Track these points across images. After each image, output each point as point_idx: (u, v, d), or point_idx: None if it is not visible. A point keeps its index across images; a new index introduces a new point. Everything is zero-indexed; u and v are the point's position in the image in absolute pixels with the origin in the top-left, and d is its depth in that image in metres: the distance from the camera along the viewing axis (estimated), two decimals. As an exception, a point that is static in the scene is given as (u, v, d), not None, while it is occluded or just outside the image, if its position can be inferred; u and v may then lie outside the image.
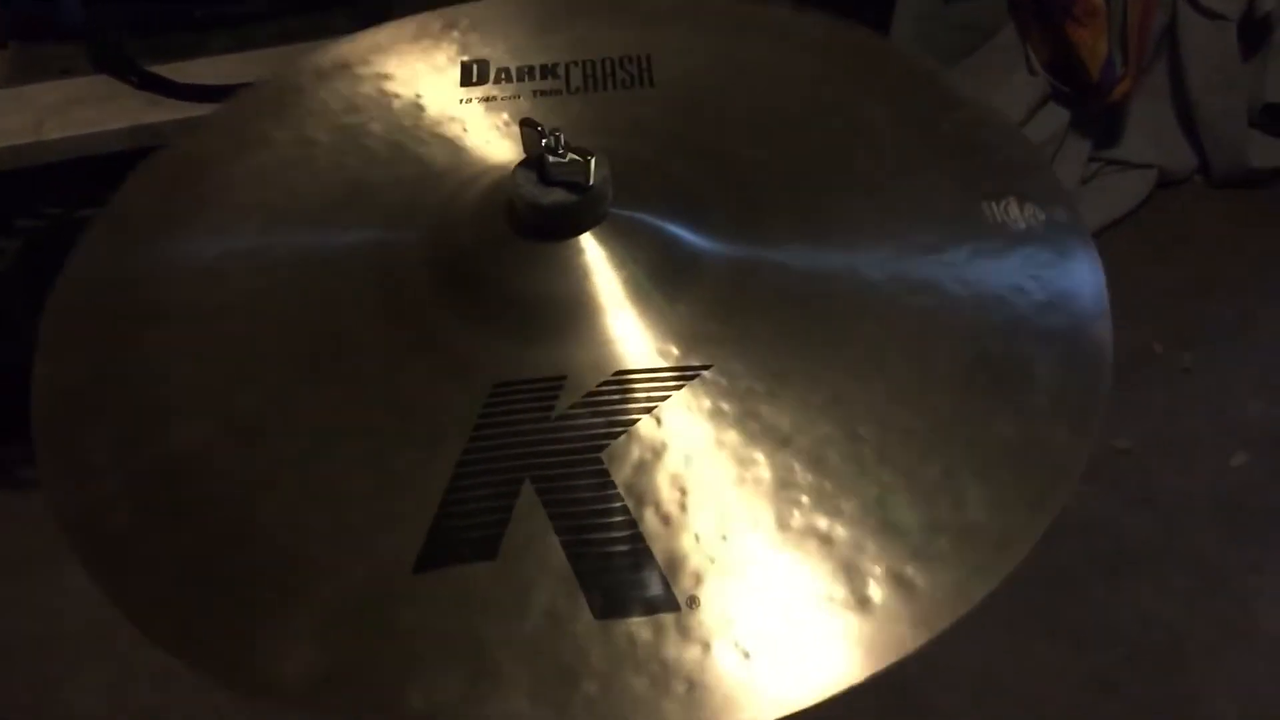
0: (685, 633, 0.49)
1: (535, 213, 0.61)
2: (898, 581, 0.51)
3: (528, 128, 0.62)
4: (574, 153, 0.61)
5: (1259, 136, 1.95)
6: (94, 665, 1.35)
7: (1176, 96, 1.93)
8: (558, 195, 0.61)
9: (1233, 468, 1.56)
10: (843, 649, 0.49)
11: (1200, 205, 1.95)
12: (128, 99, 1.33)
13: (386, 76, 0.78)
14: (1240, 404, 1.64)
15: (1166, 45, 1.89)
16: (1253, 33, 1.88)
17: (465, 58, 0.79)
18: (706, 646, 0.49)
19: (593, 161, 0.61)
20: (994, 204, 0.66)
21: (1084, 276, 0.63)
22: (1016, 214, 0.66)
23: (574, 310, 0.60)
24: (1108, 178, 1.91)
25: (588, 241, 0.62)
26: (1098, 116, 1.88)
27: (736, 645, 0.49)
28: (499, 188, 0.64)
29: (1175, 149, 1.94)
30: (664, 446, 0.55)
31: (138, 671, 1.32)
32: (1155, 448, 1.54)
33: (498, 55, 0.79)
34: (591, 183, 0.61)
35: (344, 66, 0.79)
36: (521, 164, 0.62)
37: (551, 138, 0.61)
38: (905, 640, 0.49)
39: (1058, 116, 1.83)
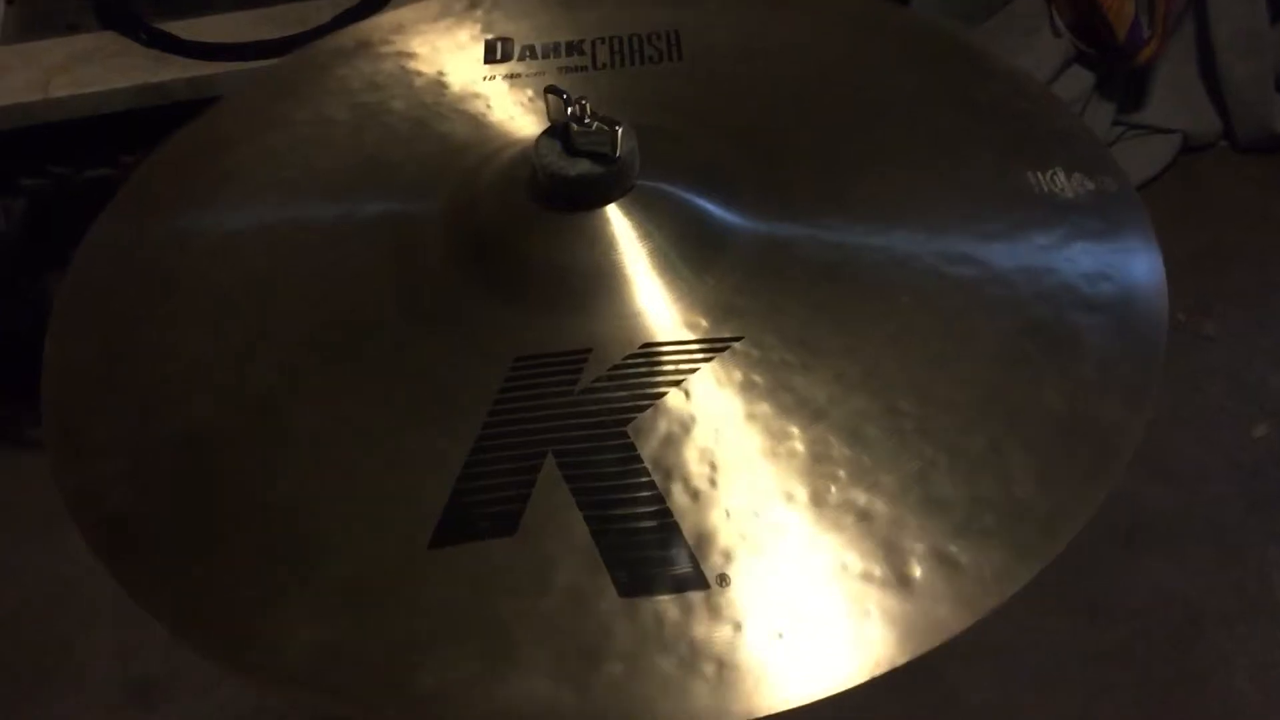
0: (715, 612, 0.47)
1: (560, 184, 0.59)
2: (940, 560, 0.48)
3: (553, 96, 0.60)
4: (600, 121, 0.59)
5: (1287, 102, 1.92)
6: (105, 628, 1.35)
7: (1203, 60, 1.89)
8: (583, 166, 0.59)
9: (1254, 439, 1.54)
10: (881, 630, 0.47)
11: (1225, 171, 1.92)
12: (135, 56, 1.31)
13: (409, 55, 0.77)
14: (1263, 375, 1.61)
15: (1194, 8, 1.86)
16: (1283, -3, 1.85)
17: (489, 35, 0.77)
18: (738, 626, 0.47)
19: (619, 131, 0.59)
20: (1040, 174, 0.64)
21: (1136, 245, 0.61)
22: (1064, 183, 0.64)
23: (599, 282, 0.59)
24: (1132, 142, 1.88)
25: (613, 212, 0.60)
26: (1123, 80, 1.85)
27: (769, 625, 0.47)
28: (522, 158, 0.62)
29: (1200, 114, 1.91)
30: (693, 420, 0.53)
31: (146, 638, 1.32)
32: (1175, 418, 1.52)
33: (522, 32, 0.77)
34: (618, 153, 0.59)
35: (365, 45, 0.78)
36: (545, 132, 0.60)
37: (577, 106, 0.59)
38: (948, 622, 0.47)
39: (1082, 79, 1.80)
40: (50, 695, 1.33)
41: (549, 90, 0.60)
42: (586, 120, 0.59)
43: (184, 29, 1.32)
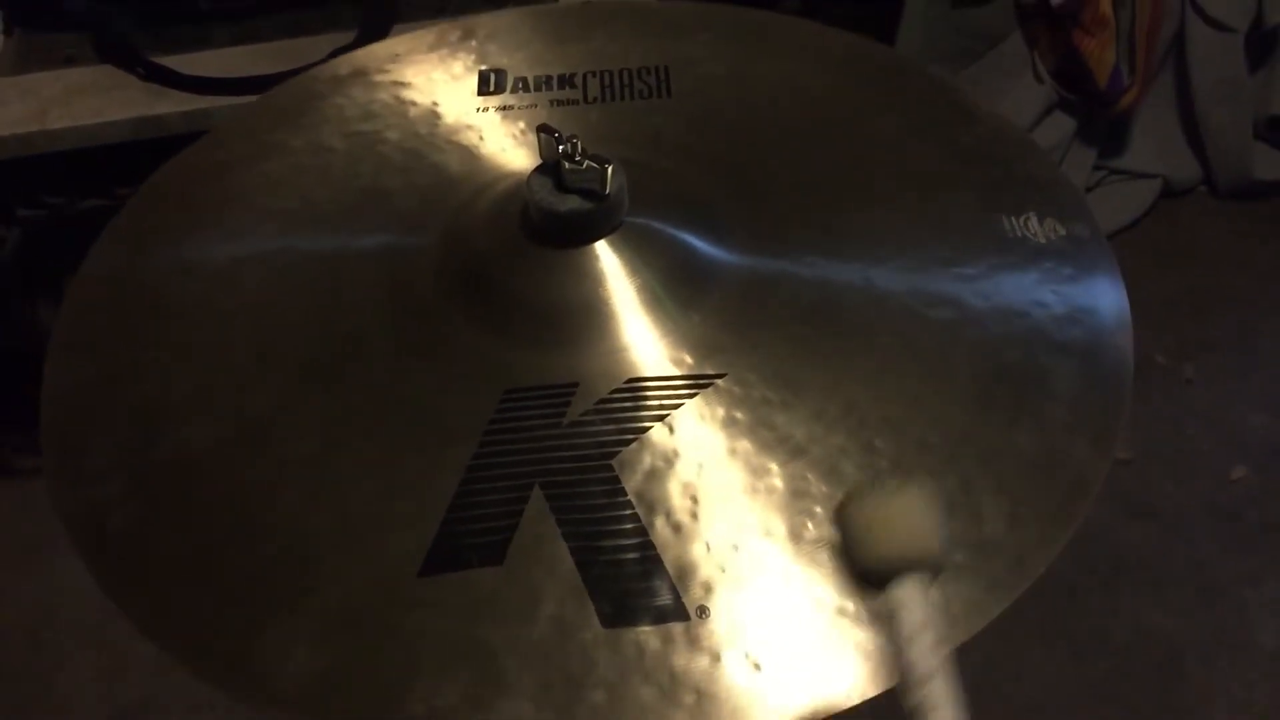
0: (695, 643, 0.49)
1: (551, 220, 0.61)
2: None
3: (545, 133, 0.61)
4: (590, 160, 0.60)
5: (1264, 149, 1.95)
6: (86, 656, 1.35)
7: (1182, 107, 1.92)
8: (574, 202, 0.60)
9: (1232, 480, 1.56)
10: (855, 663, 0.48)
11: (1204, 216, 1.95)
12: (133, 90, 1.32)
13: (403, 84, 0.78)
14: (1241, 417, 1.64)
15: (1174, 55, 1.89)
16: (1260, 45, 1.88)
17: (483, 67, 0.79)
18: (716, 657, 0.48)
19: (609, 169, 0.60)
20: (1013, 218, 0.66)
21: (1105, 291, 0.63)
22: (1036, 228, 0.65)
23: (587, 317, 0.60)
24: (1112, 187, 1.90)
25: (602, 249, 0.61)
26: (1103, 125, 1.87)
27: (747, 656, 0.48)
28: (514, 194, 0.64)
29: (1180, 159, 1.93)
30: (676, 454, 0.55)
31: (130, 662, 1.31)
32: (1155, 459, 1.54)
33: (515, 64, 0.79)
34: (608, 191, 0.60)
35: (361, 73, 0.79)
36: (537, 170, 0.62)
37: (568, 144, 0.60)
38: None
39: (1063, 125, 1.82)
40: (34, 722, 1.34)
41: (541, 129, 0.61)
42: (577, 158, 0.60)
43: (181, 63, 1.34)
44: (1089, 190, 1.88)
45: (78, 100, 1.30)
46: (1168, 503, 1.52)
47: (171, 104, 1.30)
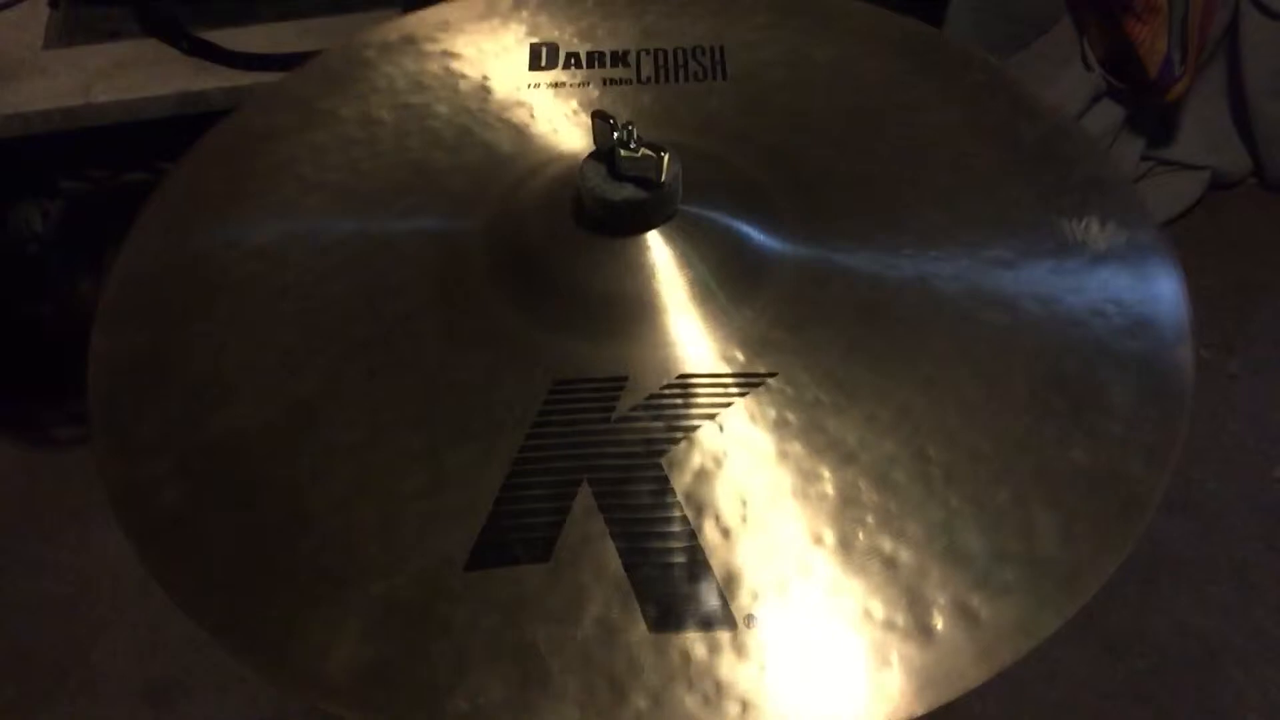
0: (741, 651, 0.48)
1: (604, 209, 0.60)
2: (962, 612, 0.49)
3: (599, 120, 0.60)
4: (646, 148, 0.59)
5: (1316, 141, 1.92)
6: (121, 630, 1.36)
7: (1233, 97, 1.89)
8: (628, 191, 0.59)
9: (1276, 478, 1.54)
10: (902, 679, 0.47)
11: (1253, 208, 1.91)
12: (177, 64, 1.32)
13: (453, 55, 0.77)
14: (1285, 414, 1.62)
15: (1226, 45, 1.86)
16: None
17: (534, 40, 0.77)
18: (763, 667, 0.48)
19: (665, 157, 0.59)
20: (1073, 221, 0.65)
21: (1166, 302, 0.61)
22: (1097, 233, 0.64)
23: (638, 309, 0.59)
24: (1160, 178, 1.88)
25: (654, 239, 0.60)
26: (1152, 115, 1.85)
27: (793, 668, 0.48)
28: (566, 178, 0.63)
29: (1229, 150, 1.90)
30: (725, 455, 0.54)
31: (165, 638, 1.32)
32: (1197, 455, 1.52)
33: (567, 39, 0.78)
34: (663, 180, 0.59)
35: (410, 41, 0.78)
36: (591, 156, 0.61)
37: (624, 131, 0.59)
38: (966, 674, 0.48)
39: (1111, 114, 1.79)
40: (67, 694, 1.35)
41: (596, 114, 0.60)
42: (632, 145, 0.59)
43: (226, 38, 1.34)
44: (1136, 182, 1.85)
45: (121, 74, 1.30)
46: (1209, 500, 1.50)
47: (215, 79, 1.30)
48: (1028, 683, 1.30)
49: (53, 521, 1.42)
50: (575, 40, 0.77)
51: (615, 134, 0.60)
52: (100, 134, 1.29)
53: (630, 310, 0.59)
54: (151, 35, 1.35)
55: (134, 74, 1.31)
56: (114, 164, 1.34)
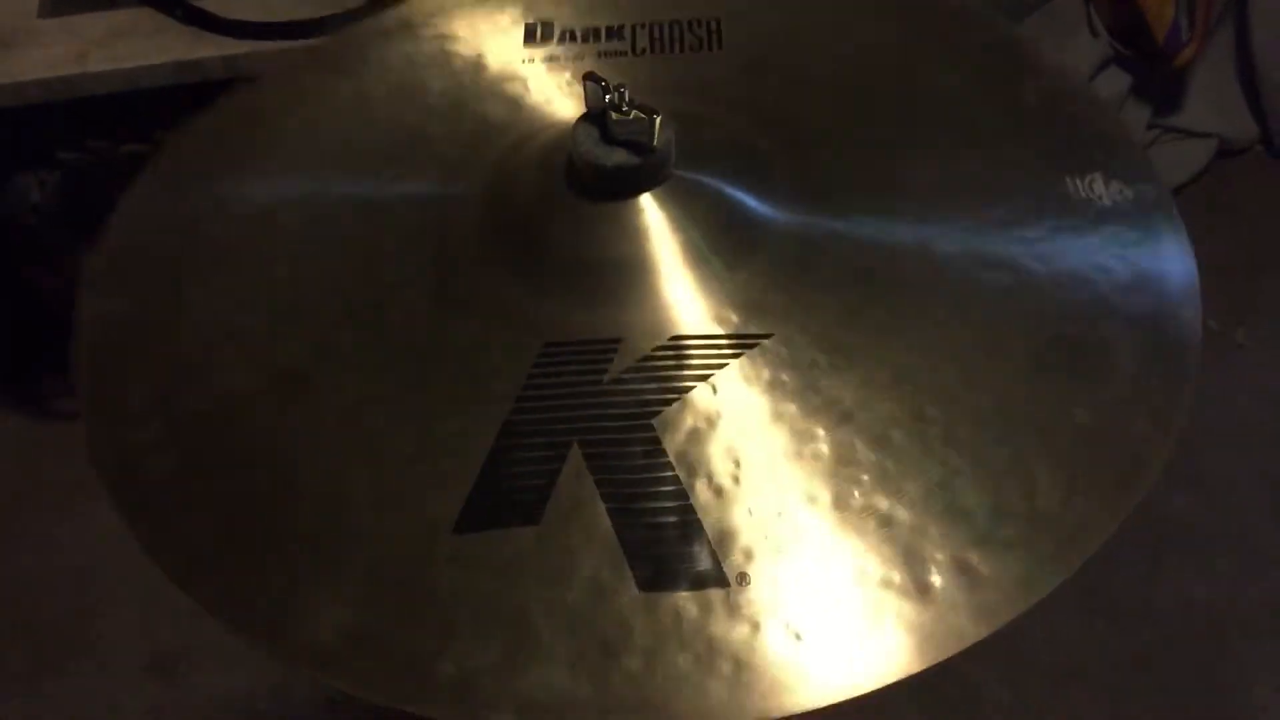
0: (734, 610, 0.47)
1: (596, 172, 0.59)
2: (961, 569, 0.48)
3: (591, 82, 0.59)
4: (638, 110, 0.58)
5: (1323, 108, 1.90)
6: (125, 603, 1.37)
7: (1241, 65, 1.87)
8: (620, 156, 0.59)
9: (1282, 449, 1.53)
10: (900, 637, 0.47)
11: (1261, 176, 1.89)
12: (173, 33, 1.31)
13: (449, 37, 0.76)
14: (1293, 385, 1.60)
15: (1234, 12, 1.84)
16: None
17: (530, 19, 0.77)
18: (756, 626, 0.47)
19: (658, 120, 0.58)
20: (1078, 179, 0.63)
21: (1172, 258, 0.60)
22: (1101, 190, 0.63)
23: (631, 272, 0.58)
24: (1167, 145, 1.86)
25: (647, 202, 0.59)
26: (1159, 82, 1.83)
27: (788, 627, 0.47)
28: (558, 144, 0.62)
29: (1237, 118, 1.89)
30: (718, 416, 0.53)
31: (169, 610, 1.32)
32: (1204, 426, 1.51)
33: (563, 16, 0.77)
34: (655, 143, 0.59)
35: (407, 26, 0.78)
36: (583, 118, 0.60)
37: (615, 93, 0.59)
38: (966, 631, 0.47)
39: (1118, 81, 1.78)
40: (72, 667, 1.35)
41: (587, 77, 0.60)
42: (624, 108, 0.59)
43: (221, 6, 1.32)
44: (1144, 149, 1.84)
45: (118, 43, 1.30)
46: (1215, 470, 1.49)
47: (211, 48, 1.29)
48: (1032, 653, 1.29)
49: (56, 494, 1.43)
50: (571, 17, 0.77)
51: (607, 96, 0.59)
52: (97, 104, 1.29)
53: (623, 273, 0.59)
54: (147, 4, 1.34)
55: (130, 43, 1.30)
56: (111, 134, 1.33)
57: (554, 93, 0.71)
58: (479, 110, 0.70)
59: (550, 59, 0.74)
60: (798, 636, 0.47)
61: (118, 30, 1.31)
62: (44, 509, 1.47)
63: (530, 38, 0.75)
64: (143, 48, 1.29)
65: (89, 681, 1.34)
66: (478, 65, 0.74)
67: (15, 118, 1.28)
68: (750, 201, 0.62)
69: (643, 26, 0.75)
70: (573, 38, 0.75)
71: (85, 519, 1.38)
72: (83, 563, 1.40)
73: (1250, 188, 1.87)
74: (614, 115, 0.59)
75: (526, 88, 0.72)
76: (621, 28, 0.75)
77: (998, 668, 1.29)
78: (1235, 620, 1.36)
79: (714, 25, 0.75)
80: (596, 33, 0.75)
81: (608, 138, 0.59)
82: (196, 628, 1.30)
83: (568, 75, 0.72)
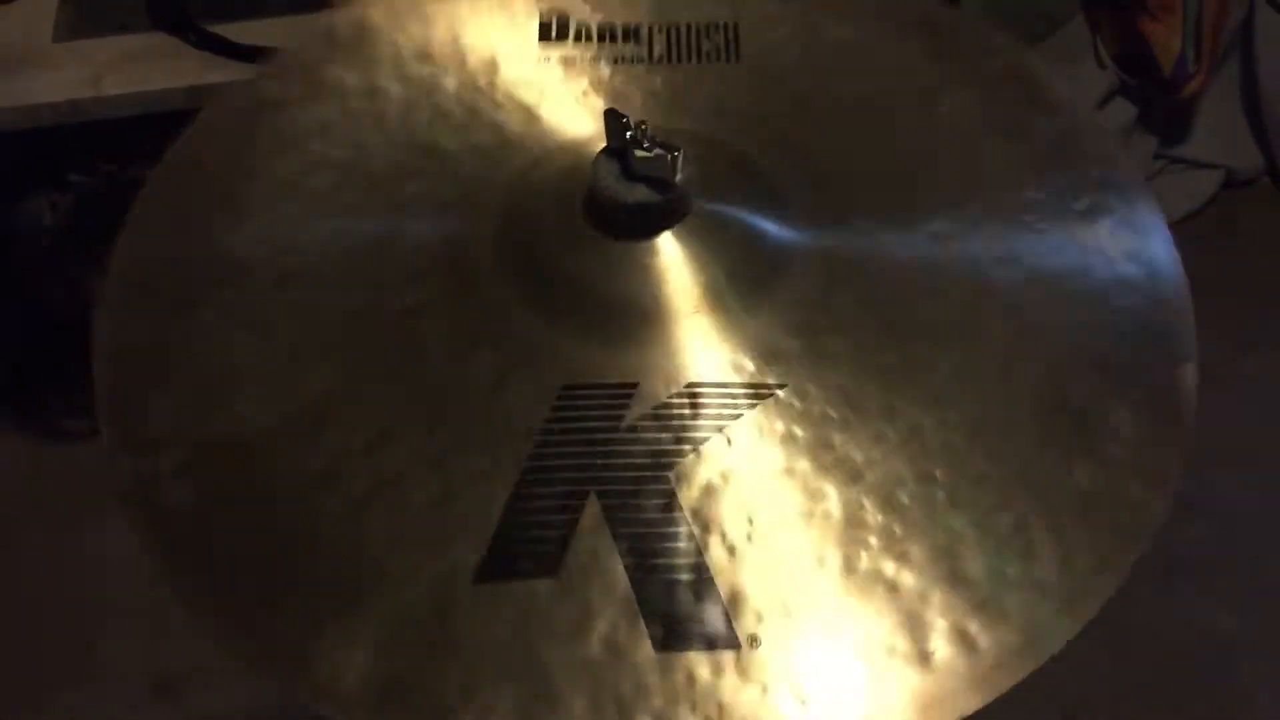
0: (744, 673, 0.49)
1: (617, 210, 0.59)
2: (960, 638, 0.50)
3: (612, 119, 0.59)
4: (660, 147, 0.58)
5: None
6: (130, 623, 1.36)
7: (1247, 96, 1.88)
8: (641, 193, 0.58)
9: (1289, 476, 1.53)
10: (900, 704, 0.48)
11: (1266, 207, 1.90)
12: (186, 58, 1.31)
13: (461, 21, 0.74)
14: (1301, 413, 1.61)
15: (1240, 43, 1.85)
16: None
17: (544, 7, 0.75)
18: (764, 689, 0.48)
19: (679, 158, 0.58)
20: (1088, 229, 0.64)
21: (1173, 320, 0.61)
22: (1107, 240, 0.63)
23: (649, 315, 0.58)
24: (1173, 176, 1.87)
25: (667, 241, 0.59)
26: (1166, 113, 1.84)
27: (794, 691, 0.48)
28: (576, 171, 0.61)
29: (1243, 149, 1.89)
30: (733, 471, 0.54)
31: (173, 631, 1.32)
32: (1211, 453, 1.51)
33: (577, 7, 0.75)
34: (677, 180, 0.58)
35: (416, 4, 0.75)
36: (604, 152, 0.60)
37: (637, 130, 0.58)
38: (963, 701, 0.48)
39: (1125, 111, 1.78)
40: (72, 686, 1.35)
41: (609, 114, 0.59)
42: (646, 145, 0.58)
43: (235, 32, 1.33)
44: (1149, 180, 1.84)
45: (130, 67, 1.30)
46: (1224, 498, 1.49)
47: (224, 73, 1.29)
48: (1041, 679, 1.29)
49: (60, 513, 1.43)
50: (586, 10, 0.75)
51: (628, 133, 0.58)
52: (109, 127, 1.29)
53: (640, 315, 0.59)
54: (160, 29, 1.35)
55: (143, 67, 1.30)
56: (123, 157, 1.34)
57: (570, 103, 0.70)
58: (494, 119, 0.69)
59: (566, 60, 0.72)
60: (803, 702, 0.48)
61: (130, 54, 1.31)
62: (48, 529, 1.47)
63: (545, 34, 0.74)
64: (155, 72, 1.29)
65: (91, 700, 1.34)
66: (492, 64, 0.72)
67: (28, 140, 1.27)
68: (768, 240, 0.62)
69: (660, 29, 0.74)
70: (588, 36, 0.74)
71: (89, 539, 1.37)
72: (86, 584, 1.40)
73: (1256, 218, 1.88)
74: (636, 153, 0.58)
75: (542, 94, 0.71)
76: (638, 28, 0.74)
77: (1008, 695, 1.29)
78: (1244, 647, 1.37)
79: (732, 31, 0.74)
80: (613, 31, 0.74)
81: (628, 173, 0.59)
82: (199, 650, 1.31)
83: (585, 82, 0.71)
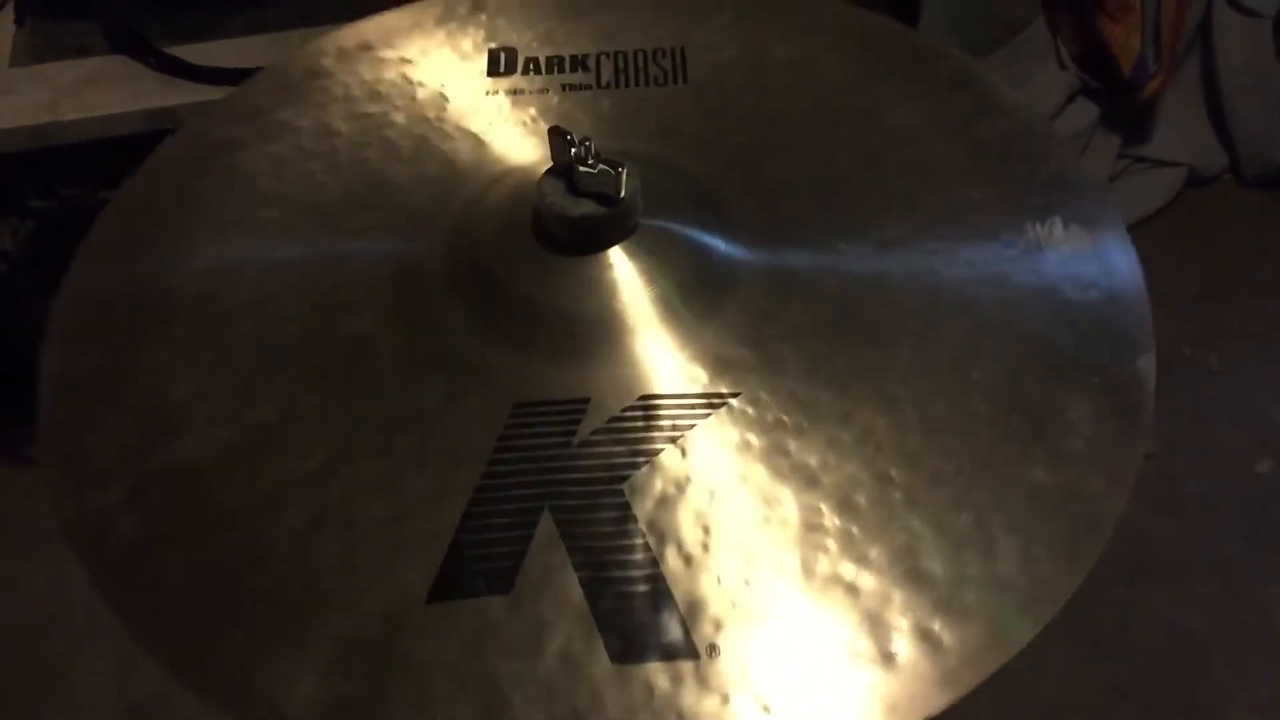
0: (704, 682, 0.48)
1: (563, 225, 0.59)
2: (923, 637, 0.49)
3: (556, 136, 0.59)
4: (604, 163, 0.59)
5: (1290, 136, 1.92)
6: (101, 648, 1.36)
7: (1208, 94, 1.90)
8: (587, 207, 0.59)
9: (1257, 474, 1.54)
10: (865, 707, 0.47)
11: (1229, 204, 1.92)
12: (145, 80, 1.31)
13: (410, 62, 0.76)
14: (1266, 409, 1.61)
15: (1199, 41, 1.86)
16: (1288, 31, 1.85)
17: (493, 45, 0.76)
18: (725, 698, 0.48)
19: (624, 173, 0.58)
20: (1039, 225, 0.64)
21: (1129, 311, 0.61)
22: (1061, 235, 0.63)
23: (600, 329, 0.59)
24: (1136, 175, 1.88)
25: (616, 256, 0.60)
26: (1128, 113, 1.85)
27: (756, 698, 0.47)
28: (523, 193, 0.62)
29: (1205, 147, 1.91)
30: (688, 480, 0.53)
31: (144, 655, 1.32)
32: (1180, 452, 1.52)
33: (526, 43, 0.76)
34: (622, 194, 0.59)
35: (367, 48, 0.77)
36: (549, 172, 0.60)
37: (581, 147, 0.59)
38: (929, 700, 0.47)
39: (1087, 112, 1.80)
40: (45, 713, 1.34)
41: (553, 131, 0.60)
42: (590, 161, 0.59)
43: (193, 53, 1.32)
44: (1112, 179, 1.85)
45: (89, 91, 1.30)
46: (1192, 497, 1.50)
47: (184, 95, 1.29)
48: (1015, 680, 1.30)
49: (28, 540, 1.41)
50: (534, 44, 0.76)
51: (573, 150, 0.59)
52: (69, 152, 1.28)
53: (592, 329, 0.59)
54: (119, 52, 1.34)
55: (102, 91, 1.30)
56: (83, 182, 1.33)
57: (518, 130, 0.71)
58: (443, 149, 0.70)
59: (514, 92, 0.73)
60: (766, 709, 0.47)
61: (89, 78, 1.31)
62: (15, 556, 1.45)
63: (494, 67, 0.75)
64: (114, 96, 1.29)
65: (63, 728, 1.33)
66: (441, 98, 0.73)
67: (-13, 166, 1.27)
68: (717, 251, 0.62)
69: (607, 56, 0.75)
70: (536, 68, 0.75)
71: (58, 566, 1.36)
72: (56, 610, 1.39)
73: (1220, 215, 1.90)
74: (580, 169, 0.59)
75: (490, 124, 0.71)
76: (586, 58, 0.75)
77: (981, 698, 1.28)
78: (1216, 645, 1.38)
79: (679, 55, 0.75)
80: (560, 62, 0.75)
81: (574, 189, 0.59)
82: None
83: (532, 110, 0.72)
